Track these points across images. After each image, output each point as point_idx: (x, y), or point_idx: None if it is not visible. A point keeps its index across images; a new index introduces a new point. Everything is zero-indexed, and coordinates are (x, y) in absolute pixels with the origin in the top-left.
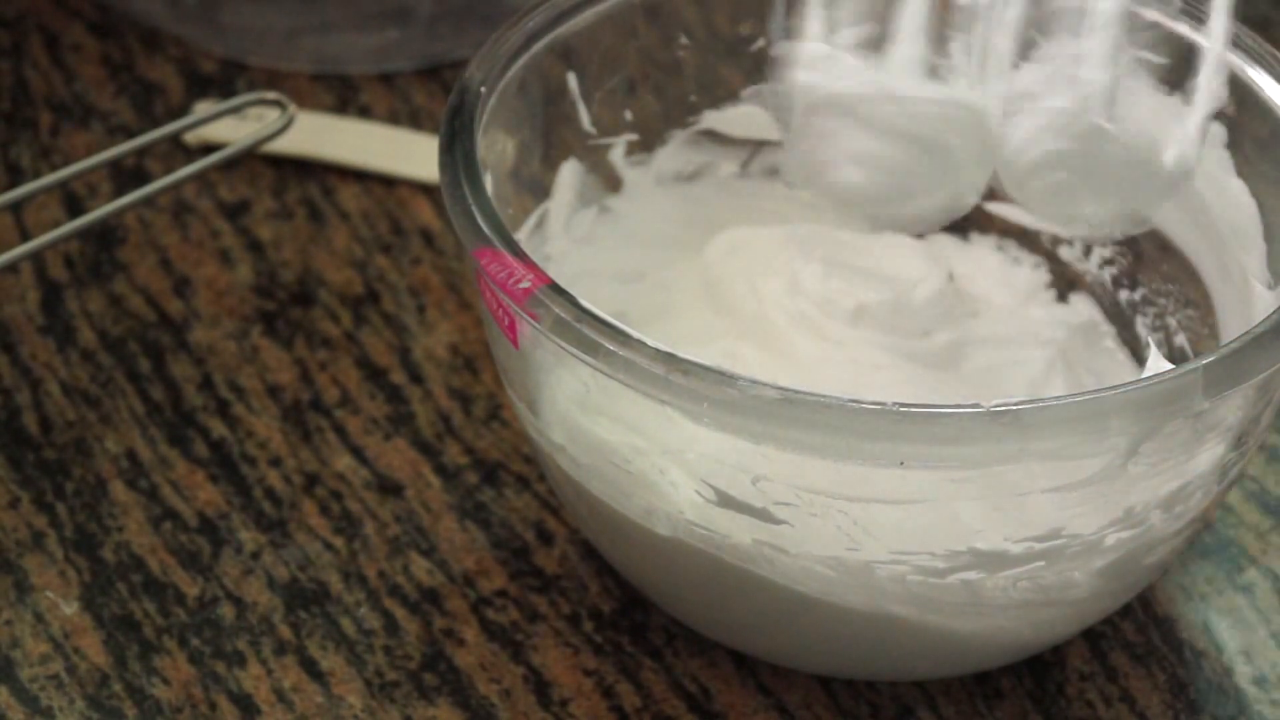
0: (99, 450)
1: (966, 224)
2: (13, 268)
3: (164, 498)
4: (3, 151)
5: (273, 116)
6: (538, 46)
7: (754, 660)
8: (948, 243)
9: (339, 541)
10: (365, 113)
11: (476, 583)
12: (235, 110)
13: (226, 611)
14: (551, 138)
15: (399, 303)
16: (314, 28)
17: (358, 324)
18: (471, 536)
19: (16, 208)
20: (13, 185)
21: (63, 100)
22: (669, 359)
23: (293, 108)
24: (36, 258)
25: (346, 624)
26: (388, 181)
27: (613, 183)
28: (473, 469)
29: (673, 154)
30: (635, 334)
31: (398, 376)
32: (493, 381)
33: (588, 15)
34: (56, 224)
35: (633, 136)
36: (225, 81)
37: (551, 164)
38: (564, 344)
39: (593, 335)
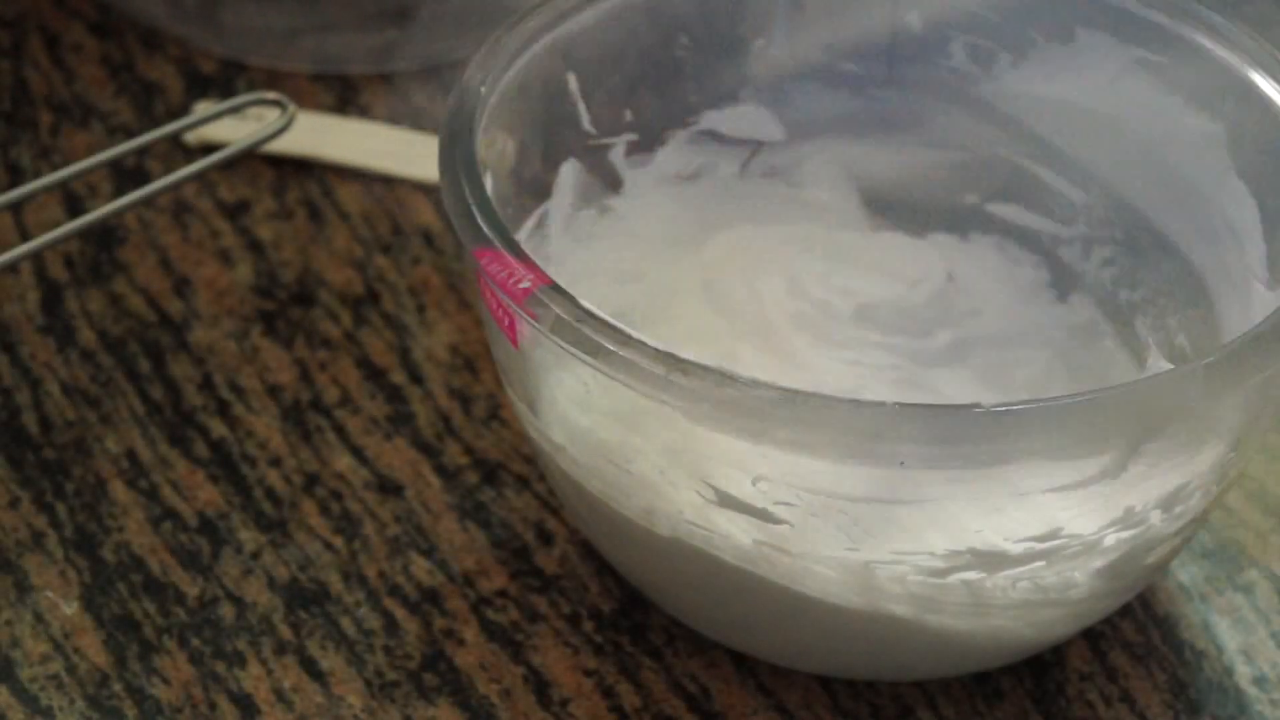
0: (99, 450)
1: (966, 224)
2: (13, 268)
3: (164, 498)
4: (3, 151)
5: (273, 116)
6: (537, 47)
7: (754, 660)
8: (947, 242)
9: (339, 541)
10: (365, 113)
11: (476, 583)
12: (235, 110)
13: (226, 611)
14: (551, 138)
15: (399, 303)
16: (314, 28)
17: (358, 324)
18: (471, 536)
19: (16, 208)
20: (13, 185)
21: (63, 100)
22: (669, 359)
23: (293, 108)
24: (36, 258)
25: (346, 624)
26: (388, 181)
27: (613, 183)
28: (473, 469)
29: (673, 154)
30: (635, 334)
31: (398, 376)
32: (493, 381)
33: (587, 15)
34: (56, 224)
35: (633, 136)
36: (225, 81)
37: (552, 164)
38: (564, 344)
39: (593, 335)
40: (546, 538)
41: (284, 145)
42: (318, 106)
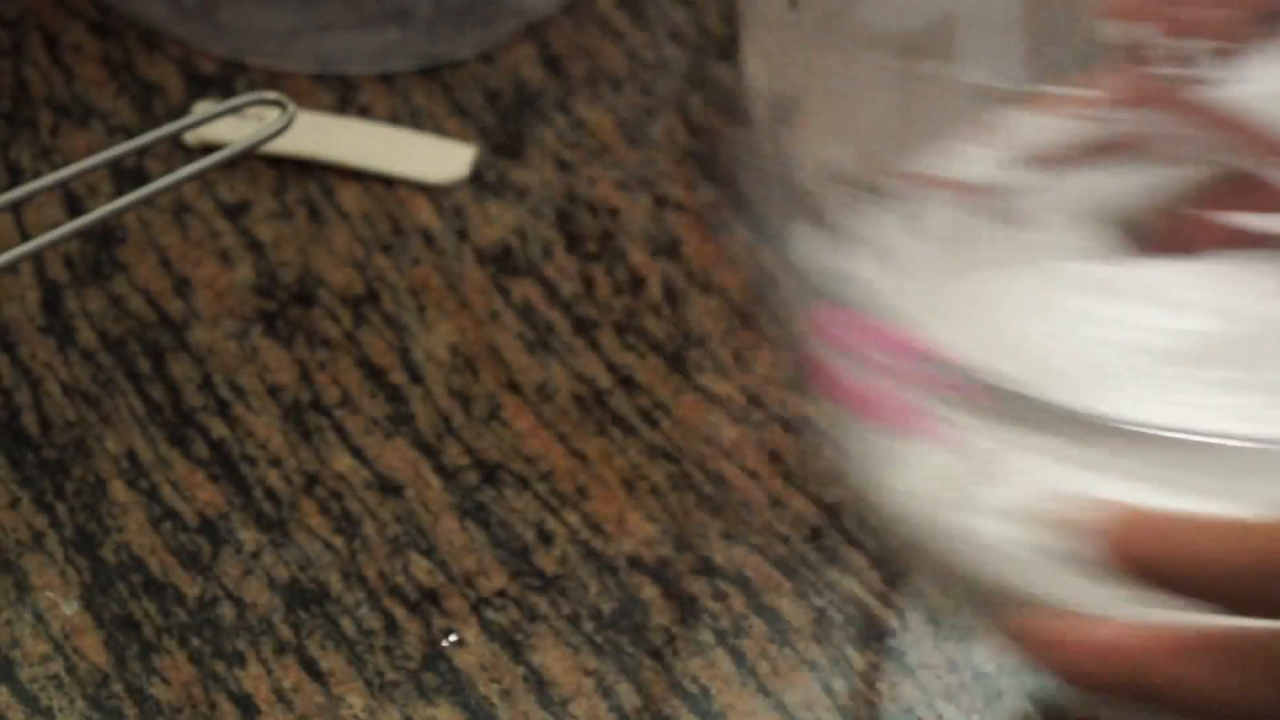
0: (99, 450)
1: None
2: (13, 268)
3: (164, 498)
4: (3, 151)
5: (273, 116)
6: None
7: (754, 660)
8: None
9: (339, 541)
10: (365, 113)
11: (476, 583)
12: (235, 110)
13: (226, 611)
14: None
15: (399, 303)
16: (314, 28)
17: (358, 324)
18: (471, 536)
19: (16, 208)
20: (13, 185)
21: (63, 100)
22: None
23: (293, 108)
24: (36, 258)
25: (346, 624)
26: (388, 181)
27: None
28: (473, 469)
29: None
30: (1102, 415)
31: (398, 376)
32: (493, 381)
33: None
34: (56, 224)
35: None
36: (225, 81)
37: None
38: (1011, 438)
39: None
40: (546, 538)
41: (284, 145)
42: (318, 106)
